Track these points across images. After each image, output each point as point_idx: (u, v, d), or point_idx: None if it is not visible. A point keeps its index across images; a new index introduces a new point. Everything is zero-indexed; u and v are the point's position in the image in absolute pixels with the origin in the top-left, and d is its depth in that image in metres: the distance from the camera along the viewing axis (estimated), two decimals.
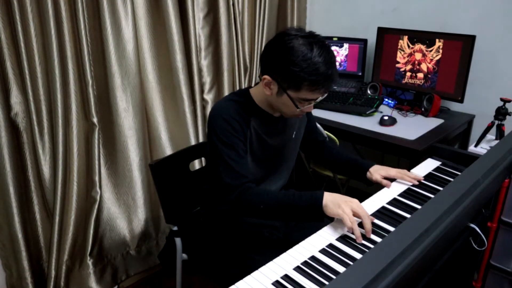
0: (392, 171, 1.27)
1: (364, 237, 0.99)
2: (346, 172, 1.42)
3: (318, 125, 1.68)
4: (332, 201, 1.05)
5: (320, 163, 1.51)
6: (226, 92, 2.19)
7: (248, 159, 1.23)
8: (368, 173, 1.30)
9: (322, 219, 1.07)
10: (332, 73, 1.09)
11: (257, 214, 1.15)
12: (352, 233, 0.99)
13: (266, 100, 1.22)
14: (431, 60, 2.11)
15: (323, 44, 1.09)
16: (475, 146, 1.85)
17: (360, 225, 1.01)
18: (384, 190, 1.22)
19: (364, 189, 2.67)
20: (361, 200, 1.15)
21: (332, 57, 1.10)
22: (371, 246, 0.96)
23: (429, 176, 1.29)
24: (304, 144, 1.47)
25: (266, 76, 1.14)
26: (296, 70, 1.07)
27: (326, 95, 1.17)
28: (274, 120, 1.27)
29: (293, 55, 1.07)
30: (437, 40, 2.06)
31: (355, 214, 1.02)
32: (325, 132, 1.94)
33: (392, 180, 1.26)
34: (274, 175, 1.34)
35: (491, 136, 1.88)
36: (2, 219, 1.60)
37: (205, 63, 2.12)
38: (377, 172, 1.29)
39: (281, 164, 1.35)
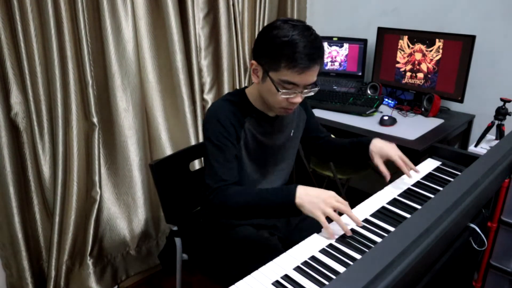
0: (392, 153, 1.25)
1: (366, 238, 0.99)
2: (351, 156, 1.39)
3: None
4: (310, 201, 1.01)
5: (324, 159, 1.50)
6: (226, 92, 2.18)
7: (245, 160, 1.23)
8: (370, 151, 1.29)
9: (301, 213, 1.04)
10: (311, 53, 1.06)
11: (234, 214, 1.12)
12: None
13: (260, 98, 1.22)
14: (431, 60, 2.11)
15: (308, 28, 1.09)
16: (475, 146, 1.85)
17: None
18: (384, 190, 1.22)
19: (364, 189, 2.67)
20: (361, 200, 1.15)
21: (315, 40, 1.08)
22: (371, 246, 0.96)
23: (429, 176, 1.29)
24: (305, 143, 1.47)
25: (253, 61, 1.16)
26: (275, 46, 1.07)
27: (317, 88, 1.14)
28: (269, 119, 1.27)
29: (273, 34, 1.08)
30: (437, 40, 2.06)
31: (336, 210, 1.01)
32: None
33: (392, 174, 1.25)
34: (273, 174, 1.34)
35: (491, 136, 1.88)
36: (2, 219, 1.60)
37: (205, 63, 2.12)
38: (378, 153, 1.27)
39: (280, 163, 1.34)
